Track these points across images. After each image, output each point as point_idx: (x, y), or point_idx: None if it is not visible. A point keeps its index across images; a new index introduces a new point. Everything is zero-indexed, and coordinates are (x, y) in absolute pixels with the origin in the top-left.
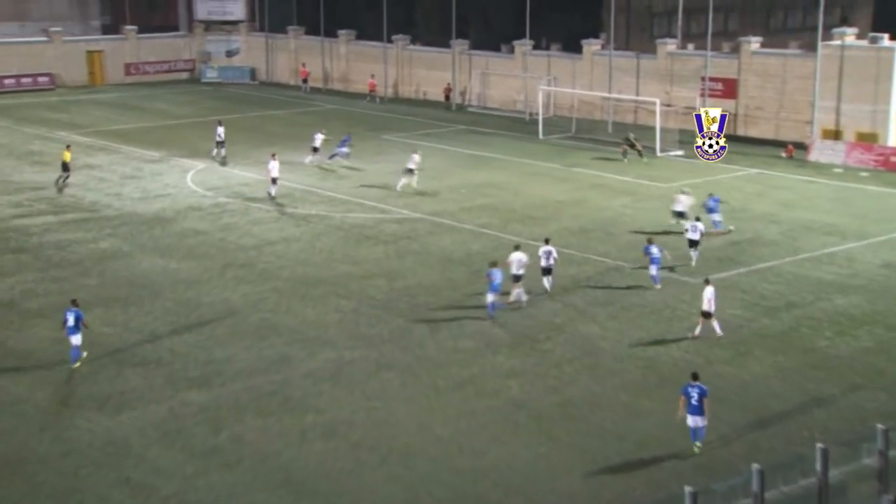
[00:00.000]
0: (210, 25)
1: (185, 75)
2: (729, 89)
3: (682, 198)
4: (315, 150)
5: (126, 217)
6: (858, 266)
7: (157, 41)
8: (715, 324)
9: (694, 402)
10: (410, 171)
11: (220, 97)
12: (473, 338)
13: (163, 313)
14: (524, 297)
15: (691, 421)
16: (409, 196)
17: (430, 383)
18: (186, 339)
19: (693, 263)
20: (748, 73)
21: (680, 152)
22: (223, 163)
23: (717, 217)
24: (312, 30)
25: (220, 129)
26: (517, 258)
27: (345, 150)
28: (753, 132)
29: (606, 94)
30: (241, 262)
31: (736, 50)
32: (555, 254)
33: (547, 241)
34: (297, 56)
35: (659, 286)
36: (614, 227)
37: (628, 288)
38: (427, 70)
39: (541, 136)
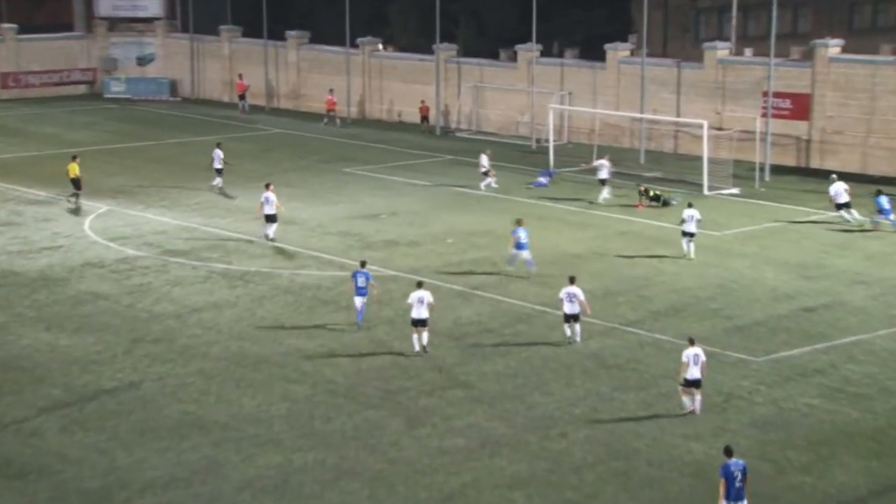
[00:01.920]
0: (116, 24)
1: (82, 89)
2: (799, 108)
3: (839, 185)
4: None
5: None
6: None
7: (44, 44)
8: (698, 399)
9: (738, 483)
10: (485, 174)
11: (128, 118)
12: (465, 434)
13: (49, 405)
14: None
15: None
16: (380, 247)
17: (409, 496)
18: (80, 440)
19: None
20: (825, 86)
21: (734, 190)
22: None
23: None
24: (252, 31)
25: (219, 153)
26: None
27: (543, 181)
28: (831, 163)
29: (638, 115)
30: (156, 335)
31: (809, 56)
32: (581, 296)
33: (572, 281)
34: (231, 65)
35: None
36: (648, 288)
37: (667, 368)
38: (403, 83)
39: (552, 168)
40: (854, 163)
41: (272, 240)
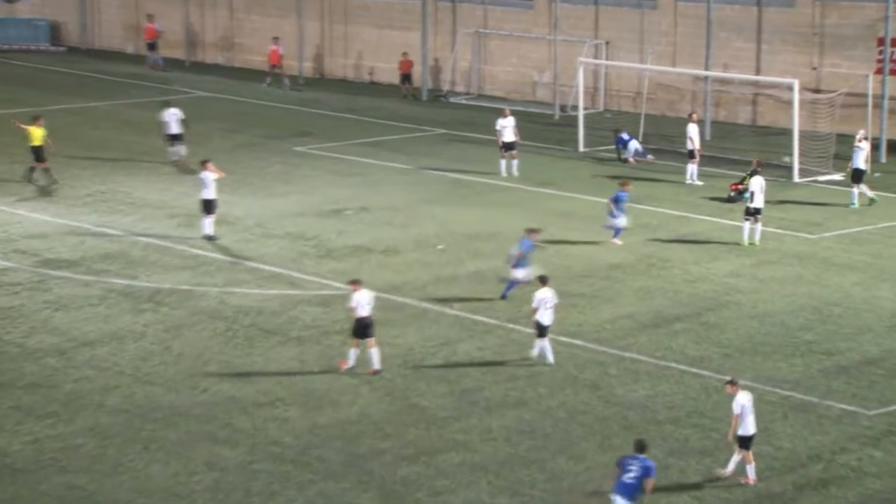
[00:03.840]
0: None
1: None
2: None
3: None
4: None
5: None
6: None
7: None
8: (734, 460)
9: (629, 478)
10: (508, 147)
11: None
12: None
13: None
14: None
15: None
16: (345, 255)
17: None
18: None
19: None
20: None
21: (837, 176)
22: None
23: None
24: None
25: (173, 113)
26: None
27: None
28: None
29: (702, 73)
30: (29, 379)
31: None
32: (552, 301)
33: (544, 282)
34: (138, 2)
35: None
36: (716, 312)
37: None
38: (377, 29)
39: (581, 146)
40: None
41: (212, 238)
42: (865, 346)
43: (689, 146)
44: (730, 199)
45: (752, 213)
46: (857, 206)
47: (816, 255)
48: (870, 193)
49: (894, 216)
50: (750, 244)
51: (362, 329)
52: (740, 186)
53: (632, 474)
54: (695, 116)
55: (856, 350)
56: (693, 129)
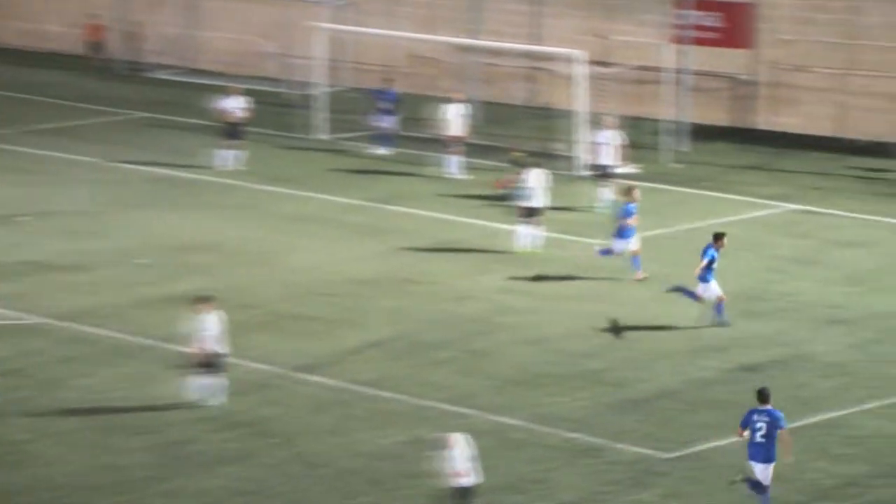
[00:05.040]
0: None
1: None
2: (736, 28)
3: None
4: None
5: None
6: None
7: None
8: None
9: (760, 436)
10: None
11: None
12: None
13: None
14: None
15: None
16: (16, 274)
17: None
18: None
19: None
20: None
21: (631, 168)
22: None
23: None
24: None
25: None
26: None
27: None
28: (789, 121)
29: (467, 41)
30: None
31: None
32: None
33: (205, 303)
34: None
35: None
36: (487, 337)
37: (521, 473)
38: None
39: (320, 132)
40: (824, 120)
41: None
42: (662, 376)
43: (450, 132)
44: (502, 198)
45: (530, 215)
46: (604, 208)
47: (606, 264)
48: (610, 197)
49: (696, 216)
50: (527, 252)
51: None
52: (514, 182)
53: (761, 432)
54: (458, 95)
55: (651, 380)
56: (455, 111)
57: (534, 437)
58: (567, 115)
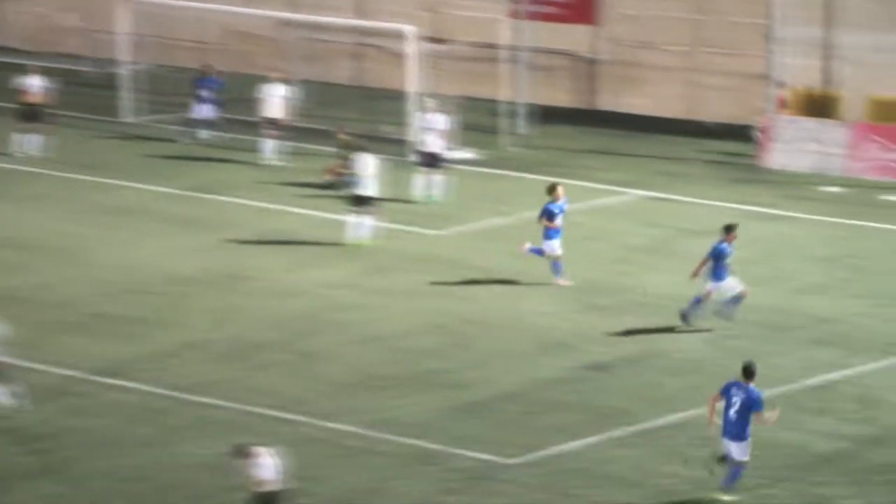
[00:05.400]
0: None
1: None
2: (577, 4)
3: None
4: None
5: None
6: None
7: None
8: None
9: (733, 412)
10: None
11: None
12: None
13: None
14: None
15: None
16: None
17: None
18: None
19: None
20: None
21: (468, 154)
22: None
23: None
24: None
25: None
26: None
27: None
28: (636, 102)
29: (291, 15)
30: None
31: None
32: None
33: None
34: None
35: None
36: (316, 338)
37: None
38: None
39: (129, 114)
40: (669, 99)
41: None
42: (506, 376)
43: (271, 114)
44: (331, 186)
45: (361, 204)
46: (434, 198)
47: (446, 257)
48: (433, 190)
49: (538, 203)
50: (358, 245)
51: None
52: (343, 169)
53: (735, 408)
54: (279, 75)
55: (494, 381)
56: (276, 92)
57: (369, 445)
58: (398, 95)
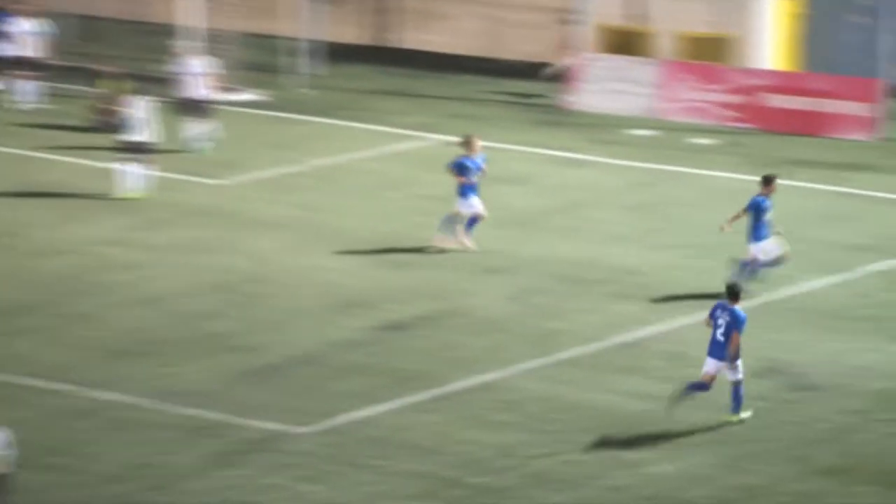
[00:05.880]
0: None
1: None
2: None
3: None
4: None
5: None
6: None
7: None
8: None
9: (720, 334)
10: None
11: None
12: None
13: None
14: None
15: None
16: None
17: None
18: None
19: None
20: None
21: (251, 95)
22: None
23: None
24: None
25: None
26: None
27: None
28: (426, 39)
29: None
30: None
31: None
32: None
33: None
34: None
35: None
36: (84, 299)
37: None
38: None
39: None
40: (472, 38)
41: None
42: (297, 339)
43: (24, 52)
44: (97, 129)
45: (133, 151)
46: (204, 148)
47: (228, 209)
48: (202, 141)
49: (331, 150)
50: (131, 196)
51: None
52: (112, 112)
53: (721, 329)
54: (31, 7)
55: (285, 344)
56: (29, 27)
57: (144, 416)
58: (171, 31)
